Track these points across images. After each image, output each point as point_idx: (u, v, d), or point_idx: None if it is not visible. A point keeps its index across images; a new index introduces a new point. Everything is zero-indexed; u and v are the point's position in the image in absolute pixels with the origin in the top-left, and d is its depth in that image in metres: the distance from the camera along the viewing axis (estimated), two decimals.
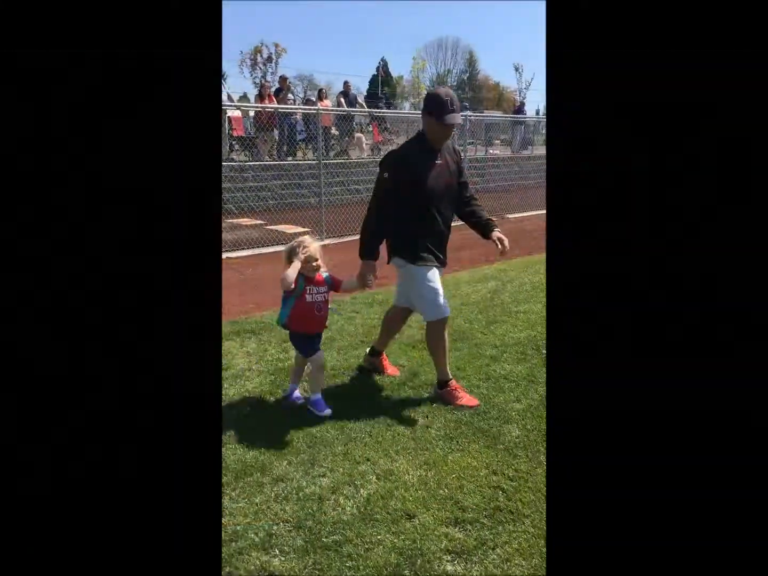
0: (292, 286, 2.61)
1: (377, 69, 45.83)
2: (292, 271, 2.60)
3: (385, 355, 3.26)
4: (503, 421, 2.67)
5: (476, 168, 12.61)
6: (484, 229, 2.97)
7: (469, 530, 1.92)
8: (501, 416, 2.72)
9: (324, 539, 1.88)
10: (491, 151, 15.56)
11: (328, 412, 2.73)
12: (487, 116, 18.59)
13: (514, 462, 2.33)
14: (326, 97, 12.96)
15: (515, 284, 5.17)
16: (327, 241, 7.57)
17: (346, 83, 12.85)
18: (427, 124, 2.75)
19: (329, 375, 3.17)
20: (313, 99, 13.59)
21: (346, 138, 11.58)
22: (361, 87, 50.17)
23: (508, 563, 1.77)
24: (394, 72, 53.54)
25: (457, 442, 2.49)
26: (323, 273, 2.78)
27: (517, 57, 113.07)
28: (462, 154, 3.08)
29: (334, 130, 11.39)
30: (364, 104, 15.44)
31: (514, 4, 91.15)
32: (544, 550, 1.82)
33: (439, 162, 2.79)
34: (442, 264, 2.89)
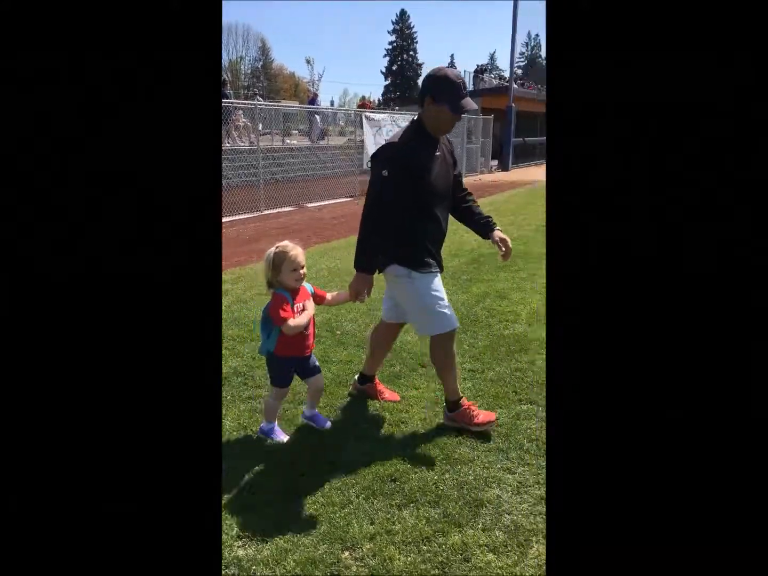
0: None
1: None
2: (299, 320, 2.29)
3: (377, 379, 2.88)
4: (298, 404, 2.77)
5: (274, 158, 12.57)
6: (483, 228, 2.62)
7: (265, 512, 1.98)
8: (296, 399, 2.82)
9: None
10: (288, 141, 15.62)
11: (328, 424, 2.56)
12: (283, 106, 18.57)
13: (311, 439, 2.45)
14: None
15: (312, 271, 5.32)
16: None
17: None
18: (432, 112, 2.33)
19: None
20: None
21: None
22: None
23: (298, 535, 1.86)
24: None
25: (251, 429, 2.53)
26: (305, 284, 2.42)
27: (308, 51, 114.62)
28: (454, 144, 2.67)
29: None
30: None
31: (303, 4, 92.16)
32: (332, 515, 1.95)
33: (438, 154, 2.41)
34: (441, 269, 2.55)
